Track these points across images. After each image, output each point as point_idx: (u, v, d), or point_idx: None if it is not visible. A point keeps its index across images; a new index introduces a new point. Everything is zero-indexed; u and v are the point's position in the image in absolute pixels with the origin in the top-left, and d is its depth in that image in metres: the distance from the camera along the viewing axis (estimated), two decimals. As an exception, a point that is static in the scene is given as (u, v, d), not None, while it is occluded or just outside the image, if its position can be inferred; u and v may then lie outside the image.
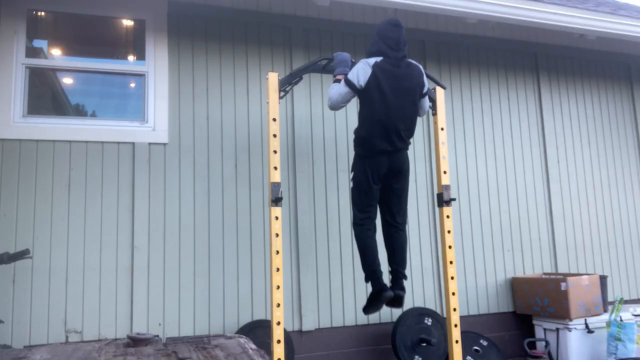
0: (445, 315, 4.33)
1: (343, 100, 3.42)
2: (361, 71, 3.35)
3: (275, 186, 3.36)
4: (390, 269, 3.55)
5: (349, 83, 3.36)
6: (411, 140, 3.53)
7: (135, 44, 4.10)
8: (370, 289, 3.56)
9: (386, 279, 3.49)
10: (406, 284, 4.37)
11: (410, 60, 3.48)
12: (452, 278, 3.64)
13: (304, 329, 4.05)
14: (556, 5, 4.56)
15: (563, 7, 4.59)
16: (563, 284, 4.26)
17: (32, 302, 3.54)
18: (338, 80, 3.50)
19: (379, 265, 3.43)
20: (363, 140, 3.41)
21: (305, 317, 4.06)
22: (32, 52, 3.88)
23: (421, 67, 3.52)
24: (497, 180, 4.91)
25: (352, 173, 3.52)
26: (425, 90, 3.55)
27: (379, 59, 3.36)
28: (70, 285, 3.63)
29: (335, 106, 3.46)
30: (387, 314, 4.31)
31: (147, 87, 3.99)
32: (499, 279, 4.75)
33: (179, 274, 3.86)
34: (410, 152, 4.57)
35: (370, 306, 3.42)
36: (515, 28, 5.11)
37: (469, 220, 4.74)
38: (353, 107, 4.42)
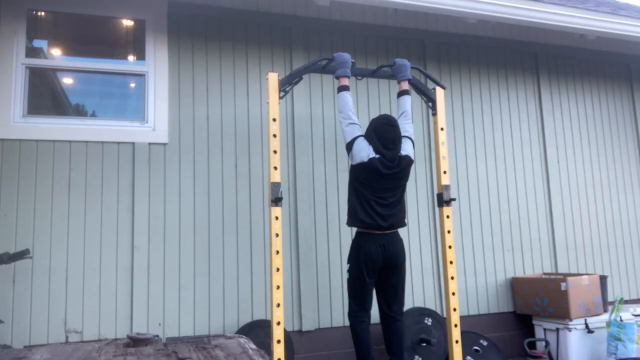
0: (445, 315, 4.33)
1: (356, 130, 3.54)
2: (364, 151, 3.44)
3: (275, 186, 3.36)
4: (388, 357, 3.61)
5: (352, 143, 3.48)
6: (403, 219, 3.58)
7: (135, 44, 4.10)
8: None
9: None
10: (406, 283, 4.38)
11: (400, 153, 3.51)
12: (452, 278, 3.64)
13: (304, 329, 4.05)
14: (556, 5, 4.56)
15: (563, 7, 4.58)
16: (563, 284, 4.26)
17: (32, 302, 3.54)
18: (345, 87, 3.56)
19: (373, 357, 3.51)
20: (354, 214, 3.50)
21: (305, 317, 4.06)
22: (32, 52, 3.88)
23: (411, 156, 3.56)
24: (497, 180, 4.91)
25: (348, 265, 3.59)
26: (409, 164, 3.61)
27: (376, 156, 3.43)
28: (70, 285, 3.63)
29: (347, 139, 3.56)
30: (387, 314, 4.31)
31: (147, 87, 3.99)
32: (499, 279, 4.75)
33: (179, 274, 3.86)
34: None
35: None
36: (515, 28, 5.10)
37: (469, 220, 4.74)
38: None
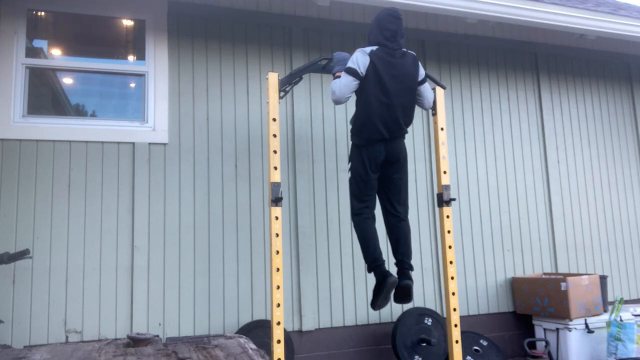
0: (445, 315, 4.33)
1: (347, 89, 3.34)
2: (360, 59, 3.35)
3: (275, 186, 3.36)
4: (395, 260, 3.51)
5: (350, 71, 3.34)
6: (409, 128, 3.52)
7: (135, 44, 4.11)
8: (372, 283, 3.54)
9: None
10: (406, 284, 4.37)
11: (405, 50, 3.49)
12: (452, 278, 3.64)
13: (304, 329, 4.05)
14: (556, 5, 4.56)
15: (563, 7, 4.59)
16: (563, 284, 4.26)
17: (32, 302, 3.54)
18: (338, 78, 3.50)
19: (380, 253, 3.38)
20: (361, 127, 3.39)
21: (305, 317, 4.06)
22: (32, 52, 3.88)
23: (415, 55, 3.52)
24: (497, 180, 4.91)
25: (350, 163, 3.51)
26: (422, 77, 3.53)
27: (374, 47, 3.38)
28: (70, 285, 3.63)
29: (340, 98, 3.35)
30: (387, 314, 4.31)
31: (147, 87, 3.99)
32: (499, 279, 4.75)
33: (179, 274, 3.86)
34: (410, 152, 4.58)
35: (378, 298, 3.32)
36: (515, 28, 5.11)
37: (469, 220, 4.74)
38: (353, 105, 4.41)
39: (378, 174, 3.45)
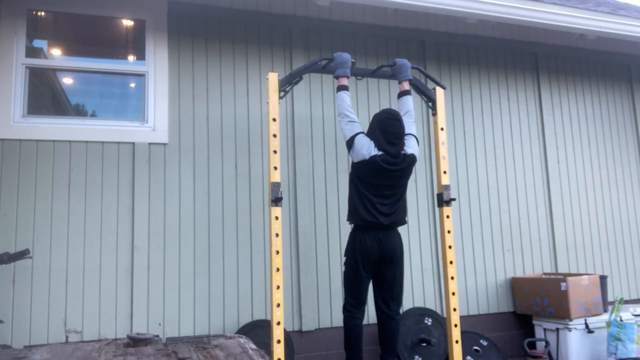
0: (445, 315, 4.33)
1: (356, 127, 3.51)
2: (365, 147, 3.40)
3: (275, 186, 3.36)
4: (380, 353, 3.59)
5: (352, 140, 3.45)
6: (403, 217, 3.56)
7: (135, 44, 4.11)
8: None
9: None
10: (406, 283, 4.38)
11: (405, 151, 3.48)
12: (452, 278, 3.64)
13: (304, 329, 4.05)
14: (556, 5, 4.56)
15: (563, 7, 4.59)
16: (563, 284, 4.26)
17: (32, 302, 3.54)
18: (343, 87, 3.55)
19: (360, 352, 3.49)
20: (354, 211, 3.48)
21: (305, 317, 4.06)
22: (32, 52, 3.88)
23: (416, 154, 3.53)
24: (497, 180, 4.91)
25: (345, 257, 3.57)
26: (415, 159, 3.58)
27: (379, 153, 3.39)
28: (70, 285, 3.63)
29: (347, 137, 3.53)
30: (387, 314, 4.31)
31: (147, 87, 4.00)
32: (499, 279, 4.75)
33: (179, 274, 3.86)
34: (410, 152, 4.57)
35: None
36: (515, 28, 5.11)
37: (469, 220, 4.74)
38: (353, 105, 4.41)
39: (371, 273, 3.52)
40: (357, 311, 3.51)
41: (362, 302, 3.53)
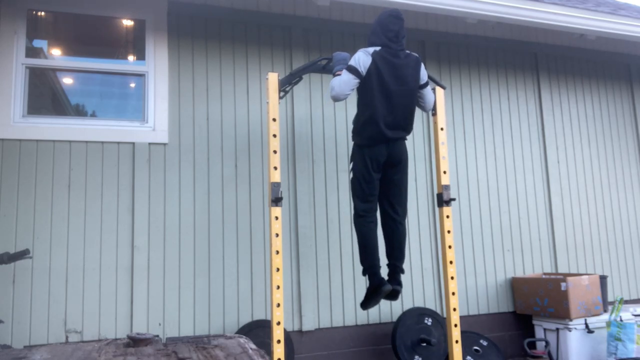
0: (445, 315, 4.33)
1: (347, 87, 3.33)
2: (362, 58, 3.36)
3: (275, 186, 3.36)
4: (388, 262, 3.54)
5: (351, 69, 3.34)
6: (410, 129, 3.51)
7: (135, 44, 4.11)
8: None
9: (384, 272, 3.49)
10: (406, 283, 4.38)
11: (408, 51, 3.49)
12: (452, 278, 3.64)
13: (304, 329, 4.05)
14: (556, 5, 4.56)
15: (563, 7, 4.58)
16: (563, 284, 4.26)
17: (32, 302, 3.54)
18: (338, 76, 3.49)
19: (378, 260, 3.41)
20: (363, 127, 3.40)
21: (305, 317, 4.06)
22: (32, 52, 3.88)
23: (419, 57, 3.52)
24: (497, 180, 4.91)
25: (352, 163, 3.51)
26: (424, 81, 3.55)
27: (377, 48, 3.39)
28: (70, 285, 3.63)
29: (339, 94, 3.33)
30: (387, 313, 4.31)
31: (147, 87, 4.00)
32: (499, 279, 4.75)
33: (179, 274, 3.86)
34: (410, 152, 4.58)
35: (369, 300, 3.40)
36: (515, 28, 5.10)
37: (469, 220, 4.74)
38: (353, 105, 4.42)
39: (380, 174, 3.46)
40: (370, 215, 3.44)
41: (374, 207, 3.47)
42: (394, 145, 3.43)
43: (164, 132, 3.96)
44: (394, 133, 3.39)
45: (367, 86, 3.37)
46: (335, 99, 3.37)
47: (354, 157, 3.50)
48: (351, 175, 3.51)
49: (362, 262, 3.44)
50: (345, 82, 3.33)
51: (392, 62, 3.37)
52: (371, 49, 3.39)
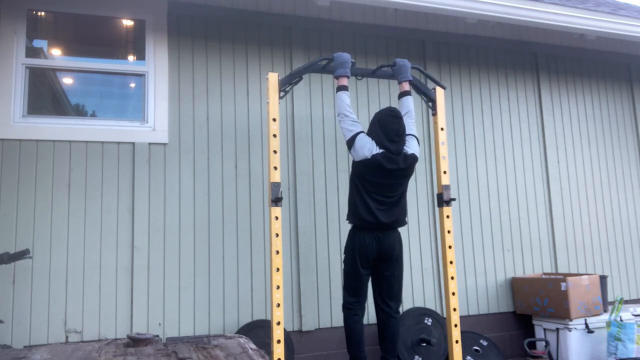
0: (445, 315, 4.34)
1: (356, 127, 3.49)
2: (366, 147, 3.39)
3: (275, 186, 3.36)
4: (381, 354, 3.58)
5: (353, 140, 3.43)
6: (404, 217, 3.55)
7: (135, 44, 4.11)
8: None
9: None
10: (406, 283, 4.38)
11: (406, 151, 3.48)
12: (452, 278, 3.64)
13: (304, 329, 4.05)
14: (556, 5, 4.56)
15: (563, 7, 4.59)
16: (563, 284, 4.26)
17: (32, 302, 3.54)
18: (343, 87, 3.54)
19: (363, 351, 3.48)
20: (354, 211, 3.47)
21: (305, 317, 4.06)
22: (32, 52, 3.88)
23: (417, 154, 3.52)
24: (497, 180, 4.91)
25: (344, 255, 3.57)
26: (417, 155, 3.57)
27: (380, 151, 3.38)
28: (70, 285, 3.63)
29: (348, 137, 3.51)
30: (387, 314, 4.31)
31: (147, 87, 4.00)
32: (499, 279, 4.75)
33: (179, 274, 3.86)
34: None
35: None
36: (515, 28, 5.11)
37: (469, 220, 4.74)
38: (353, 106, 4.42)
39: (369, 270, 3.52)
40: (357, 308, 3.50)
41: (362, 300, 3.52)
42: (385, 238, 3.44)
43: (164, 132, 3.96)
44: (388, 220, 3.43)
45: (359, 176, 3.45)
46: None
47: (346, 250, 3.56)
48: (343, 266, 3.58)
49: (348, 350, 3.51)
50: (350, 128, 3.48)
51: (389, 170, 3.39)
52: (374, 147, 3.39)
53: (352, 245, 3.48)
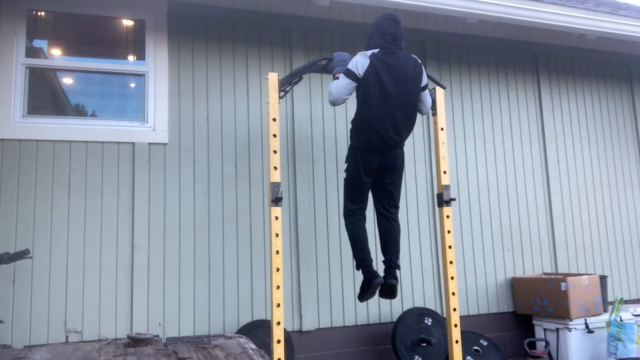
0: (445, 315, 4.34)
1: (344, 91, 3.34)
2: (360, 61, 3.35)
3: (275, 186, 3.36)
4: (383, 259, 3.56)
5: (349, 73, 3.34)
6: (408, 134, 3.49)
7: (135, 44, 4.10)
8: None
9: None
10: (406, 283, 4.38)
11: (408, 53, 3.48)
12: (452, 278, 3.64)
13: (304, 329, 4.05)
14: (556, 5, 4.56)
15: (563, 7, 4.58)
16: (563, 284, 4.26)
17: (32, 302, 3.54)
18: (337, 79, 3.49)
19: (369, 253, 3.46)
20: (360, 129, 3.40)
21: (305, 317, 4.06)
22: (32, 52, 3.88)
23: (419, 60, 3.51)
24: (497, 180, 4.91)
25: (346, 164, 3.54)
26: (424, 83, 3.52)
27: (376, 50, 3.38)
28: (70, 285, 3.63)
29: (336, 99, 3.35)
30: (387, 314, 4.31)
31: (147, 87, 4.00)
32: (499, 279, 4.75)
33: (179, 274, 3.86)
34: (410, 152, 4.58)
35: (364, 294, 3.45)
36: (515, 28, 5.11)
37: (469, 220, 4.74)
38: (353, 105, 4.41)
39: (372, 178, 3.50)
40: (359, 214, 3.50)
41: (363, 206, 3.52)
42: (390, 152, 3.43)
43: (164, 132, 3.96)
44: (392, 138, 3.38)
45: (365, 89, 3.35)
46: (333, 103, 3.39)
47: (348, 158, 3.52)
48: (344, 175, 3.54)
49: (354, 256, 3.50)
50: (342, 86, 3.34)
51: (391, 64, 3.34)
52: (369, 52, 3.38)
53: (354, 155, 3.44)
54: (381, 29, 3.41)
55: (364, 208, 3.54)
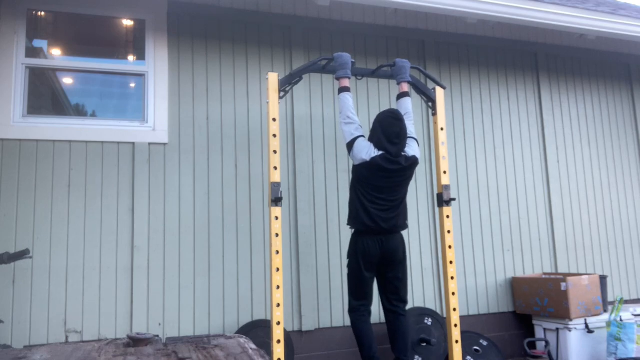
0: (445, 315, 4.34)
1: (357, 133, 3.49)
2: (364, 151, 3.39)
3: (275, 186, 3.36)
4: (394, 356, 3.56)
5: (352, 143, 3.44)
6: (406, 224, 3.55)
7: (135, 44, 4.11)
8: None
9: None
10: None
11: (406, 153, 3.47)
12: (452, 278, 3.64)
13: (304, 329, 4.05)
14: (556, 5, 4.56)
15: (563, 7, 4.59)
16: (563, 284, 4.26)
17: (32, 302, 3.54)
18: (345, 89, 3.54)
19: (375, 352, 3.45)
20: (356, 215, 3.46)
21: (305, 317, 4.06)
22: (32, 52, 3.88)
23: (415, 158, 3.50)
24: (497, 180, 4.91)
25: (348, 260, 3.57)
26: (418, 158, 3.56)
27: (378, 153, 3.39)
28: (70, 285, 3.63)
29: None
30: (387, 314, 4.31)
31: (147, 87, 4.00)
32: (499, 279, 4.75)
33: (179, 273, 3.86)
34: (410, 152, 4.57)
35: None
36: (515, 28, 5.11)
37: (469, 220, 4.74)
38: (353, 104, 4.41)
39: (374, 273, 3.51)
40: (364, 311, 3.50)
41: (368, 302, 3.53)
42: (388, 241, 3.44)
43: (164, 132, 3.96)
44: (388, 224, 3.42)
45: (359, 176, 3.44)
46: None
47: (349, 254, 3.55)
48: (347, 270, 3.57)
49: (361, 354, 3.49)
50: (350, 131, 3.49)
51: (389, 170, 3.39)
52: (372, 151, 3.39)
53: (355, 250, 3.47)
54: (385, 127, 3.44)
55: (369, 304, 3.54)
